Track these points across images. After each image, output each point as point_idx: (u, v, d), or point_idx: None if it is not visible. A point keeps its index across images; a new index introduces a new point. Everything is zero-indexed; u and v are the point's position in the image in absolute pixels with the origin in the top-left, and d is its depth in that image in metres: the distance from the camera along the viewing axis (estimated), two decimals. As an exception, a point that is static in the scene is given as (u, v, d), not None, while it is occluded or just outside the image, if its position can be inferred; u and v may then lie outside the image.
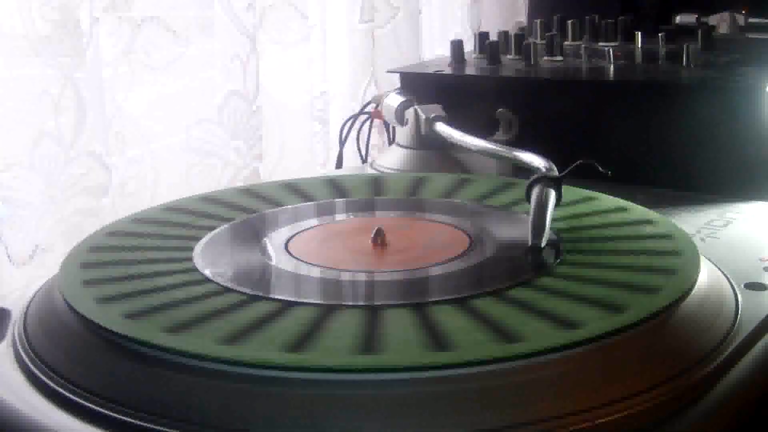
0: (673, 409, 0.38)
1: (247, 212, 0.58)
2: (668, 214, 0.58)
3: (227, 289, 0.46)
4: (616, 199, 0.59)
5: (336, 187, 0.64)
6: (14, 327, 0.46)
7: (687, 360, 0.41)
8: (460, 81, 0.84)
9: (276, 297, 0.45)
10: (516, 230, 0.53)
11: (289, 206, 0.60)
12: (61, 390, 0.40)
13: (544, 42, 0.88)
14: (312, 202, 0.61)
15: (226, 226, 0.56)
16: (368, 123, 0.89)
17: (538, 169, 0.58)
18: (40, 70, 0.72)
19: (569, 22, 0.97)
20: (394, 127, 0.80)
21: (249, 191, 0.63)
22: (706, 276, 0.48)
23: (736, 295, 0.48)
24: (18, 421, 0.40)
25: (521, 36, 0.90)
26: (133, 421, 0.37)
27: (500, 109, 0.77)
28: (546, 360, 0.39)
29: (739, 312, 0.46)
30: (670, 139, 0.72)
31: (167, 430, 0.37)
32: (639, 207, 0.57)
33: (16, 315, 0.47)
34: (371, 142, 0.91)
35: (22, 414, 0.40)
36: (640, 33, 0.91)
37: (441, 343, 0.40)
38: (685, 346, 0.42)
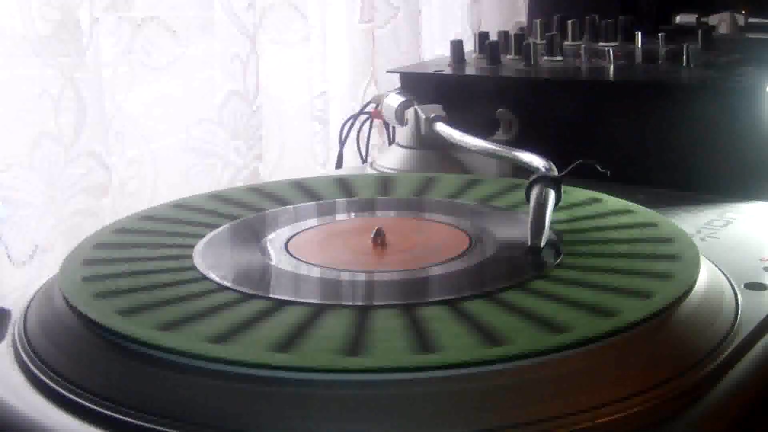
0: (673, 409, 0.38)
1: (255, 211, 0.58)
2: (668, 214, 0.58)
3: (225, 289, 0.46)
4: (622, 200, 0.58)
5: (344, 186, 0.64)
6: (14, 327, 0.46)
7: (687, 360, 0.41)
8: (460, 81, 0.84)
9: (271, 296, 0.45)
10: (516, 230, 0.53)
11: (289, 206, 0.60)
12: (61, 390, 0.40)
13: (544, 42, 0.88)
14: (312, 202, 0.61)
15: (226, 225, 0.56)
16: (368, 123, 0.89)
17: (537, 169, 0.58)
18: (40, 70, 0.72)
19: (569, 22, 0.97)
20: (394, 127, 0.80)
21: (258, 190, 0.63)
22: (706, 276, 0.48)
23: (736, 295, 0.48)
24: (18, 421, 0.40)
25: (521, 36, 0.90)
26: (133, 421, 0.38)
27: (500, 109, 0.77)
28: (546, 360, 0.39)
29: (739, 312, 0.46)
30: (670, 139, 0.72)
31: (167, 430, 0.37)
32: (640, 207, 0.57)
33: (16, 315, 0.47)
34: (371, 142, 0.91)
35: (22, 414, 0.40)
36: (640, 33, 0.91)
37: (428, 345, 0.40)
38: (685, 346, 0.42)
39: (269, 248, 0.52)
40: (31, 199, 0.72)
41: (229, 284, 0.46)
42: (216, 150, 0.88)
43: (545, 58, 0.87)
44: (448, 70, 0.85)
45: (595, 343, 0.40)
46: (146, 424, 0.37)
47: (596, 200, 0.59)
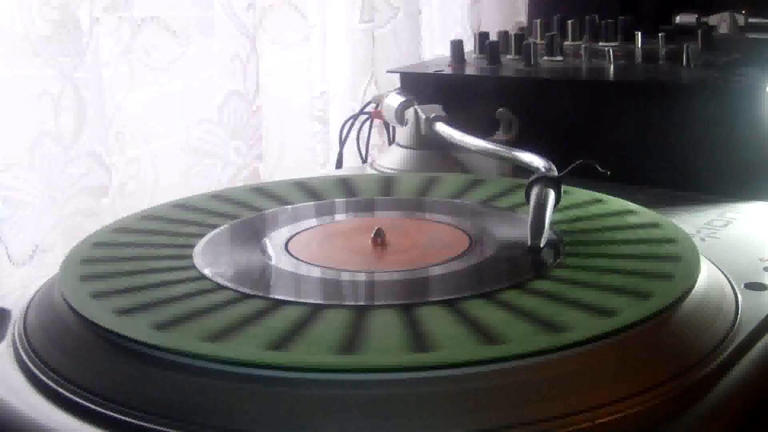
0: (673, 409, 0.38)
1: (257, 211, 0.58)
2: (668, 214, 0.58)
3: (224, 288, 0.46)
4: (623, 201, 0.58)
5: (346, 186, 0.64)
6: (14, 327, 0.46)
7: (687, 360, 0.41)
8: (460, 81, 0.84)
9: (270, 296, 0.45)
10: (516, 230, 0.53)
11: (288, 206, 0.60)
12: (61, 390, 0.40)
13: (544, 42, 0.88)
14: (312, 202, 0.61)
15: (225, 226, 0.56)
16: (368, 123, 0.89)
17: (537, 169, 0.58)
18: (40, 70, 0.72)
19: (569, 22, 0.97)
20: (394, 127, 0.80)
21: (260, 190, 0.63)
22: (706, 276, 0.48)
23: (736, 295, 0.48)
24: (18, 421, 0.40)
25: (521, 36, 0.90)
26: (133, 421, 0.37)
27: (500, 109, 0.77)
28: (546, 360, 0.39)
29: (739, 312, 0.46)
30: (670, 139, 0.72)
31: (167, 430, 0.37)
32: (641, 207, 0.57)
33: (16, 315, 0.47)
34: (371, 142, 0.91)
35: (22, 414, 0.40)
36: (640, 33, 0.91)
37: (426, 344, 0.40)
38: (685, 346, 0.42)
39: (269, 248, 0.52)
40: (31, 199, 0.72)
41: (227, 284, 0.46)
42: (216, 150, 0.88)
43: (545, 58, 0.87)
44: (448, 70, 0.85)
45: (595, 343, 0.40)
46: (146, 424, 0.37)
47: (598, 201, 0.59)
